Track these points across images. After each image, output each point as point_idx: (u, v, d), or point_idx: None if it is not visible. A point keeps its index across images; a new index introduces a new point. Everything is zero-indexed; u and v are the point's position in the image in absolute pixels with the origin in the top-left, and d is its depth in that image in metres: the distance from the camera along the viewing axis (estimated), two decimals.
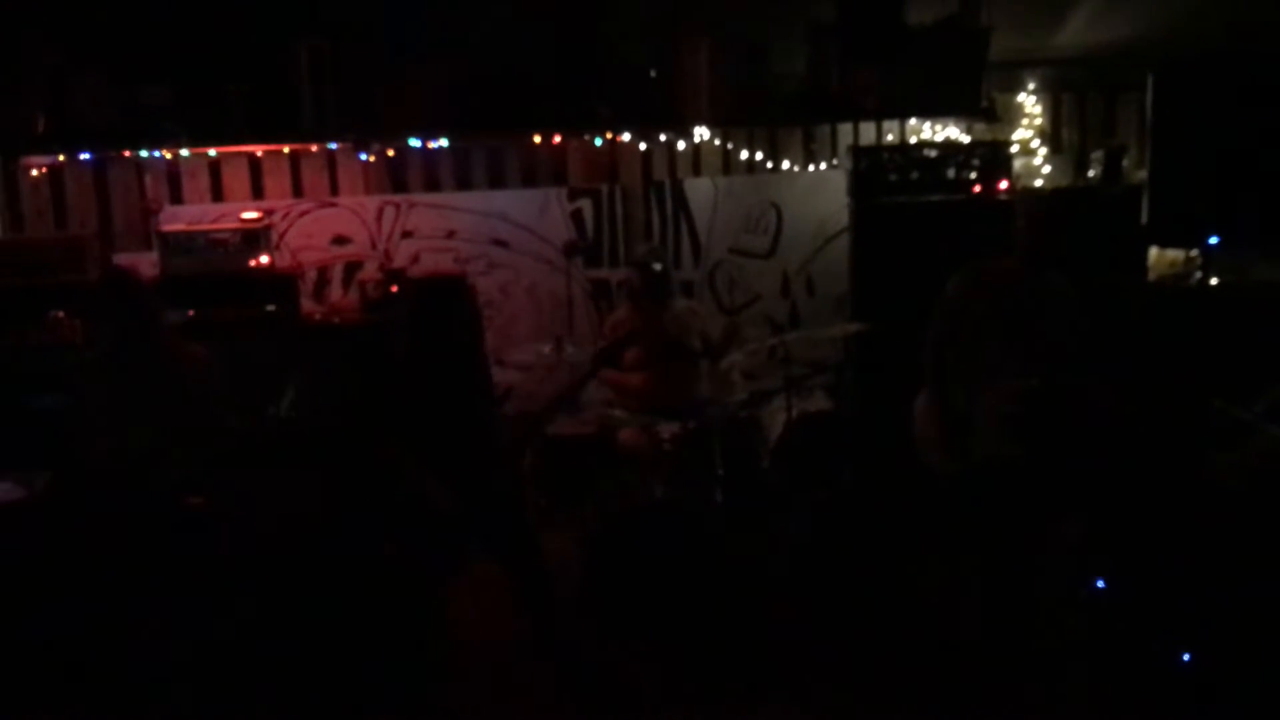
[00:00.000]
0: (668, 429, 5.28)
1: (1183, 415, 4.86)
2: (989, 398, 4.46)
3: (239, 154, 6.06)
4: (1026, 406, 4.35)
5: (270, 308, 5.63)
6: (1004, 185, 6.07)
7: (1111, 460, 4.44)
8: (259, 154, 6.10)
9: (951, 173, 6.10)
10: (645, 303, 5.64)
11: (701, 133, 6.45)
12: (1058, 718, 4.03)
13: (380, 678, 4.16)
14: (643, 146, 6.57)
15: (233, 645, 4.17)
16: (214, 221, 5.92)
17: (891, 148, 6.40)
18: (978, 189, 6.07)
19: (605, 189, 6.59)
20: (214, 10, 5.51)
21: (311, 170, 6.23)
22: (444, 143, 6.11)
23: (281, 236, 6.10)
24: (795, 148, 6.82)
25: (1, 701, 4.31)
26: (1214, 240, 5.42)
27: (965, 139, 6.57)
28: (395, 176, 6.34)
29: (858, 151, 6.26)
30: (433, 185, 6.40)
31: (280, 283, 5.72)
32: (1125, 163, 6.28)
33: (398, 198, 6.32)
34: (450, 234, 6.38)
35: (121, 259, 5.78)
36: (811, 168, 6.84)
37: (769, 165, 6.78)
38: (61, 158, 5.81)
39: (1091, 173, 6.51)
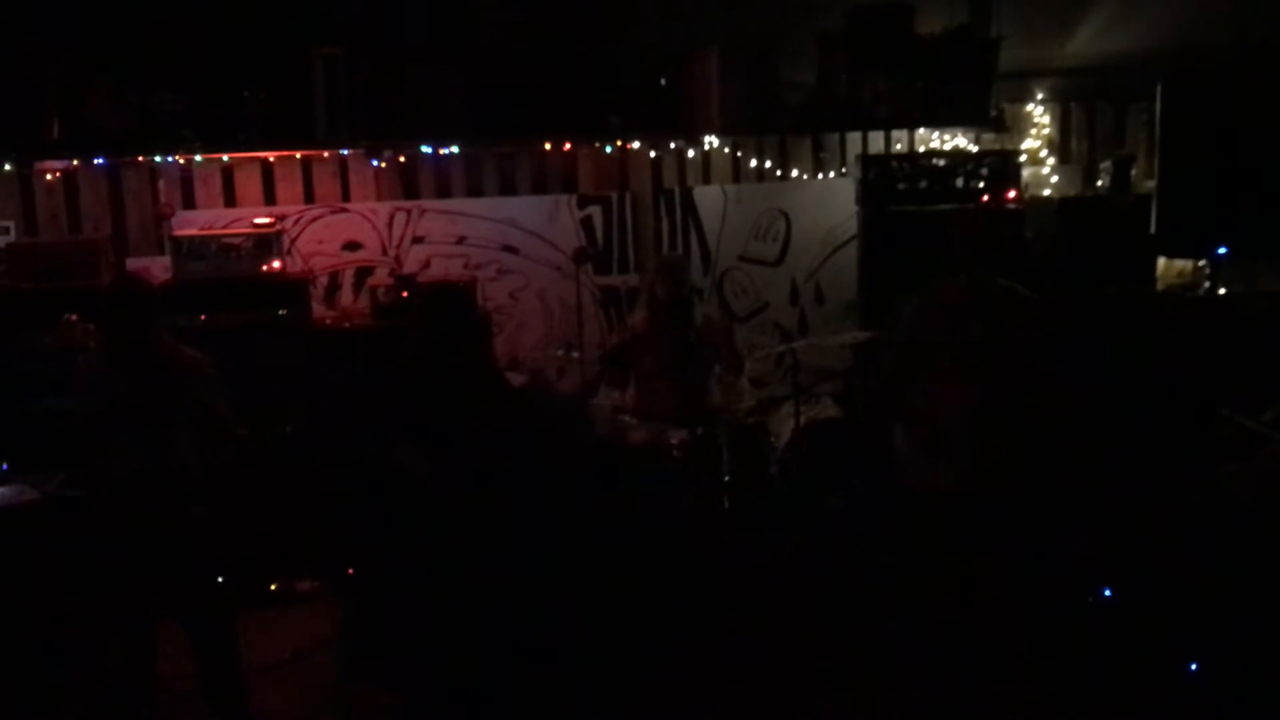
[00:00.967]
0: (676, 435, 5.30)
1: (1192, 424, 4.87)
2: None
3: (251, 159, 6.09)
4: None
5: (281, 312, 5.65)
6: (1012, 195, 6.09)
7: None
8: (271, 159, 6.13)
9: (960, 182, 6.12)
10: (666, 313, 5.61)
11: (711, 141, 6.48)
12: None
13: None
14: (653, 154, 6.59)
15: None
16: (226, 226, 5.95)
17: (900, 157, 6.42)
18: (986, 198, 6.08)
19: (615, 196, 6.61)
20: (229, 17, 5.54)
21: (323, 176, 6.26)
22: (455, 149, 6.13)
23: (293, 242, 6.14)
24: (804, 156, 6.85)
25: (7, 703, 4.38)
26: (1222, 250, 5.42)
27: (974, 148, 6.59)
28: (407, 182, 6.37)
29: (866, 160, 6.28)
30: (444, 191, 6.42)
31: (291, 288, 5.75)
32: (1134, 173, 6.30)
33: (409, 203, 6.35)
34: (461, 240, 6.40)
35: (134, 264, 5.81)
36: (820, 176, 6.86)
37: (778, 173, 6.80)
38: (75, 162, 5.84)
39: (1100, 183, 6.53)
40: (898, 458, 4.33)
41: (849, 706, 4.30)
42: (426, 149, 6.07)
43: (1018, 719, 4.05)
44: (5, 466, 4.95)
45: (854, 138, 6.78)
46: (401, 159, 6.24)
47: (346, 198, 6.31)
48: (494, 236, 6.44)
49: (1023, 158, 6.45)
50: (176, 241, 5.63)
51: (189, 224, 5.92)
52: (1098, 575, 4.53)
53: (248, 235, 5.71)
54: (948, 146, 6.68)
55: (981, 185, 6.09)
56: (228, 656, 4.18)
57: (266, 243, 5.68)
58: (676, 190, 6.72)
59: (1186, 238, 5.55)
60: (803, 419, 5.56)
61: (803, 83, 6.36)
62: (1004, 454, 3.98)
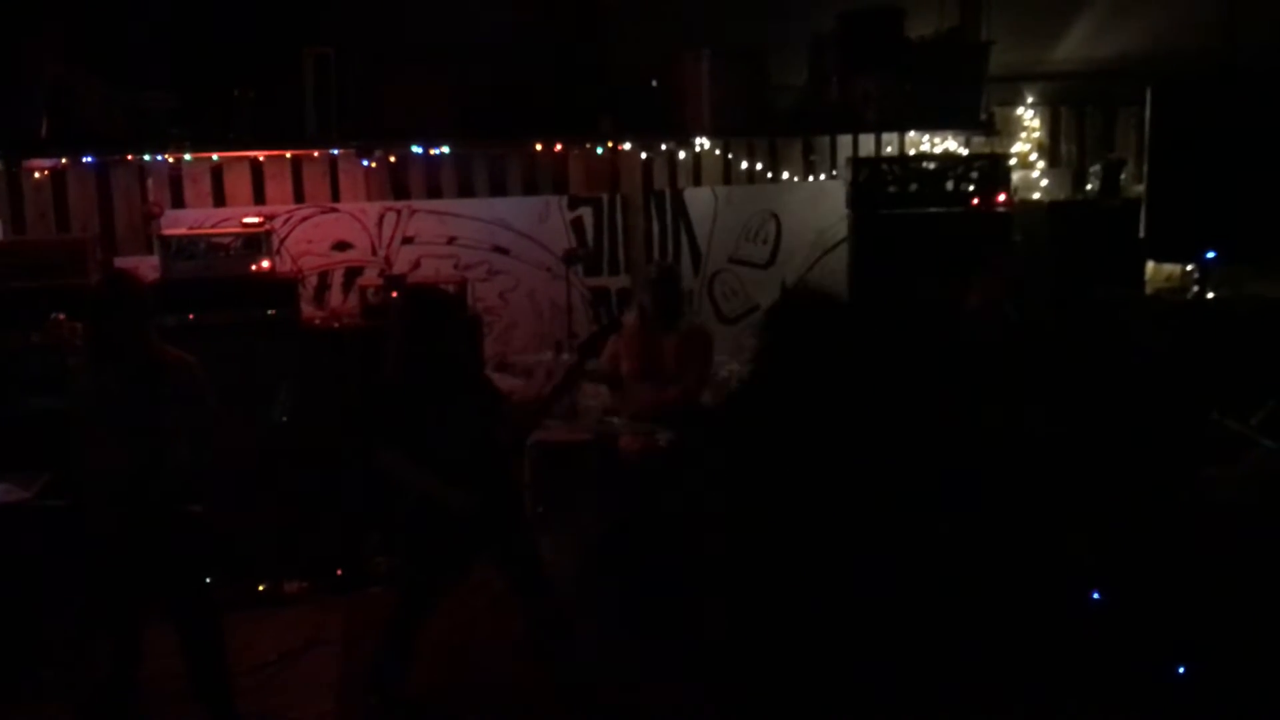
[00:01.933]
0: (665, 436, 5.29)
1: (1180, 428, 4.89)
2: None
3: (241, 158, 6.07)
4: None
5: (271, 312, 5.62)
6: (1002, 198, 6.11)
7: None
8: (261, 159, 6.11)
9: (950, 185, 6.14)
10: (655, 323, 5.61)
11: (702, 142, 6.49)
12: None
13: None
14: (643, 155, 6.59)
15: None
16: (215, 226, 5.93)
17: (890, 159, 6.44)
18: (976, 201, 6.10)
19: (606, 197, 6.61)
20: (219, 16, 5.53)
21: (313, 175, 6.24)
22: (446, 150, 6.12)
23: (282, 241, 6.11)
24: (795, 158, 6.86)
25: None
26: (1210, 255, 5.45)
27: (964, 151, 6.60)
28: (397, 182, 6.35)
29: (857, 163, 6.30)
30: (434, 191, 6.41)
31: (281, 287, 5.72)
32: (1123, 177, 6.33)
33: (399, 203, 6.33)
34: (451, 240, 6.39)
35: (122, 262, 5.78)
36: (811, 178, 6.87)
37: (769, 175, 6.81)
38: (64, 161, 5.81)
39: (1089, 186, 6.55)
40: None
41: (844, 713, 4.30)
42: (417, 149, 6.05)
43: None
44: None
45: (845, 140, 6.80)
46: (392, 159, 6.22)
47: (336, 197, 6.29)
48: (484, 237, 6.43)
49: (1012, 161, 6.47)
50: (165, 240, 5.60)
51: (177, 223, 5.89)
52: (1086, 578, 4.54)
53: (237, 235, 5.69)
54: (938, 149, 6.70)
55: (971, 188, 6.11)
56: (215, 657, 4.16)
57: (256, 242, 5.66)
58: (667, 192, 6.72)
59: (1175, 242, 5.58)
60: None
61: (794, 85, 6.38)
62: None
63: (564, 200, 6.54)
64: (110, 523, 4.01)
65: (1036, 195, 6.68)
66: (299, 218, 6.21)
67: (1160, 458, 4.89)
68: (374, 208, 6.31)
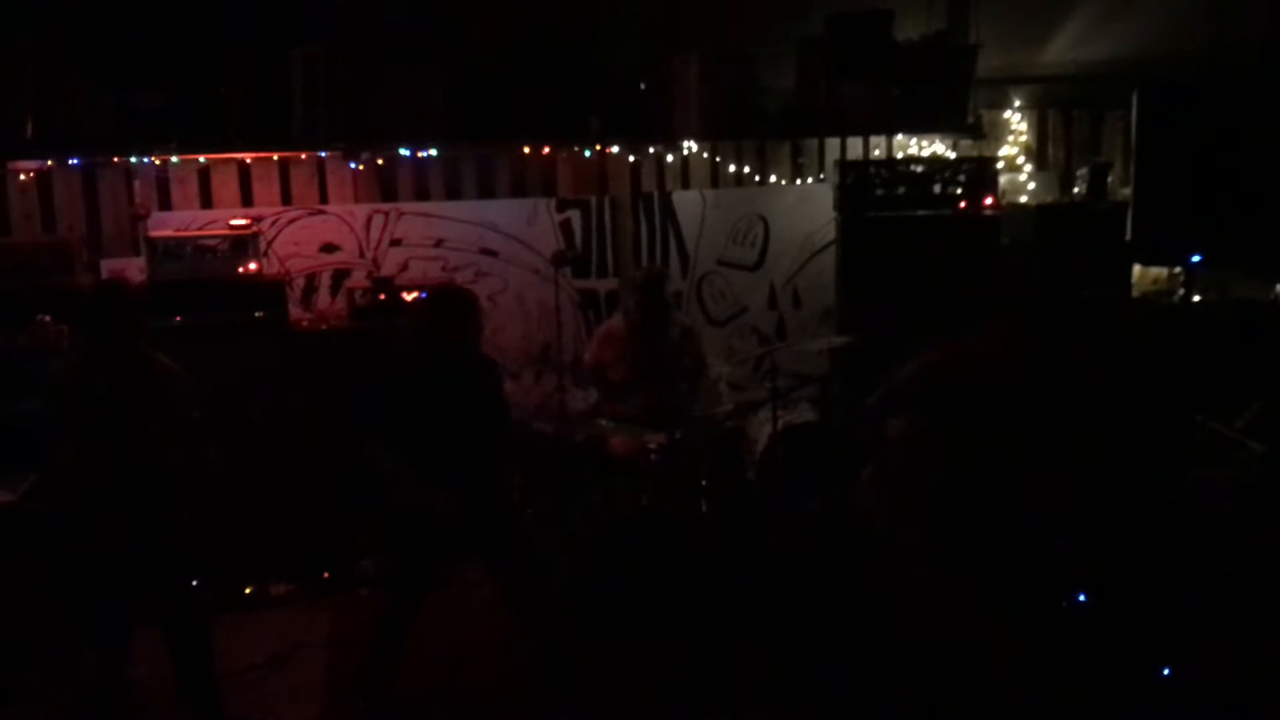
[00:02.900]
0: (654, 439, 5.30)
1: (1166, 430, 4.90)
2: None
3: (228, 160, 6.05)
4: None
5: (258, 314, 5.60)
6: (989, 201, 6.12)
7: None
8: (248, 161, 6.09)
9: (937, 188, 6.15)
10: (643, 329, 5.62)
11: (690, 145, 6.49)
12: None
13: None
14: (632, 158, 6.59)
15: None
16: (202, 228, 5.91)
17: (878, 163, 6.44)
18: (963, 205, 6.12)
19: (594, 200, 6.61)
20: (207, 17, 5.51)
21: (301, 178, 6.22)
22: (434, 152, 6.12)
23: (270, 243, 6.08)
24: (783, 161, 6.86)
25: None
26: (1197, 258, 5.47)
27: (951, 155, 6.62)
28: (385, 184, 6.34)
29: (845, 166, 6.31)
30: (422, 194, 6.39)
31: (268, 289, 5.70)
32: (1110, 180, 6.34)
33: (386, 206, 6.31)
34: (439, 242, 6.38)
35: (109, 265, 5.76)
36: (799, 182, 6.88)
37: (757, 178, 6.81)
38: (50, 162, 5.78)
39: (1076, 189, 6.57)
40: (868, 516, 4.37)
41: (830, 715, 4.32)
42: (405, 151, 6.05)
43: None
44: None
45: (833, 143, 6.81)
46: (379, 161, 6.20)
47: (324, 199, 6.27)
48: (472, 239, 6.42)
49: (1000, 164, 6.48)
50: (152, 242, 5.57)
51: (164, 225, 5.86)
52: (1072, 580, 4.55)
53: (224, 237, 5.67)
54: (925, 153, 6.71)
55: (959, 191, 6.13)
56: (202, 660, 4.16)
57: (243, 244, 5.64)
58: (655, 194, 6.72)
59: (1162, 245, 5.59)
60: (780, 423, 5.56)
61: (782, 88, 6.38)
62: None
63: (552, 203, 6.54)
64: (94, 525, 4.00)
65: (1024, 198, 6.69)
66: (286, 220, 6.20)
67: (1146, 460, 4.91)
68: (362, 210, 6.29)
